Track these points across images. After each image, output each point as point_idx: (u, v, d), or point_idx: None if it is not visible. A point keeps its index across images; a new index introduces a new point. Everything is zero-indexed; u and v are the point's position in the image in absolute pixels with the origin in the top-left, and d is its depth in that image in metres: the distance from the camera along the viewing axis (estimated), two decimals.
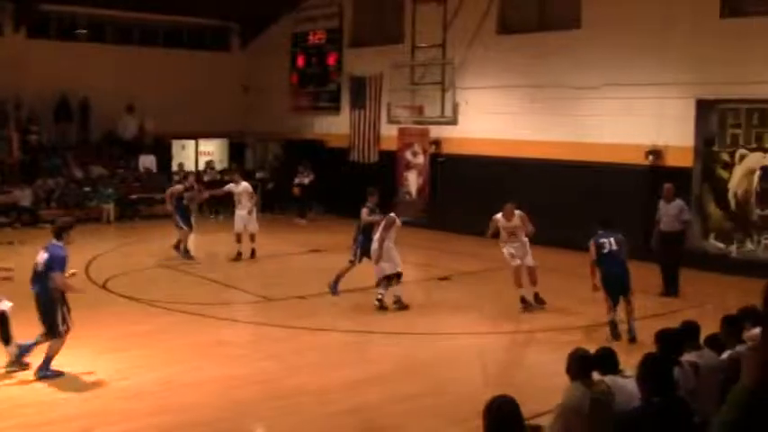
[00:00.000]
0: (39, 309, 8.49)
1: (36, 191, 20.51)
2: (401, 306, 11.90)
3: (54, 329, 8.46)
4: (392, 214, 12.00)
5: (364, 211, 12.55)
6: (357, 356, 9.68)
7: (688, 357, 5.73)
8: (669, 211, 13.08)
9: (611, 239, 10.46)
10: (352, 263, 12.71)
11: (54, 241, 8.59)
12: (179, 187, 16.62)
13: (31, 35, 22.83)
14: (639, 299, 12.76)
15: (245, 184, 16.41)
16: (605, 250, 10.39)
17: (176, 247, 15.86)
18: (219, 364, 9.15)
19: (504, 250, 12.06)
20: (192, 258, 15.70)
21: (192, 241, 16.38)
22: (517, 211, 12.06)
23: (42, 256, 8.50)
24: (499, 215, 12.02)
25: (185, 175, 20.13)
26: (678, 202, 13.15)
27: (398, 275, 11.98)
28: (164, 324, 10.94)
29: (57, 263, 8.40)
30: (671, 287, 13.12)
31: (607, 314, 10.40)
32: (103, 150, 23.42)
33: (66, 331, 8.55)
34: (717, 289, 13.49)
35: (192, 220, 16.48)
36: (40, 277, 8.46)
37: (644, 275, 14.47)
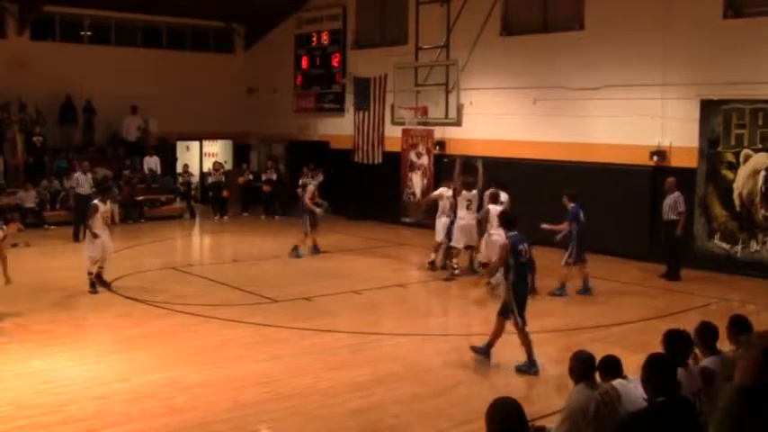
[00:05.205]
0: None
1: (41, 192, 20.54)
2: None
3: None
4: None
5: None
6: (362, 357, 9.67)
7: (705, 363, 5.68)
8: (667, 203, 14.31)
9: None
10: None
11: None
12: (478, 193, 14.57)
13: (35, 37, 22.91)
14: (644, 297, 12.82)
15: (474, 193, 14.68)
16: None
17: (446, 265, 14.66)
18: (224, 366, 9.16)
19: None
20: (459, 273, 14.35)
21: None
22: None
23: None
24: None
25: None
26: (674, 194, 14.21)
27: None
28: (168, 325, 10.95)
29: None
30: (670, 272, 14.37)
31: None
32: (108, 152, 23.48)
33: None
34: (722, 289, 13.50)
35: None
36: None
37: (648, 276, 14.55)
